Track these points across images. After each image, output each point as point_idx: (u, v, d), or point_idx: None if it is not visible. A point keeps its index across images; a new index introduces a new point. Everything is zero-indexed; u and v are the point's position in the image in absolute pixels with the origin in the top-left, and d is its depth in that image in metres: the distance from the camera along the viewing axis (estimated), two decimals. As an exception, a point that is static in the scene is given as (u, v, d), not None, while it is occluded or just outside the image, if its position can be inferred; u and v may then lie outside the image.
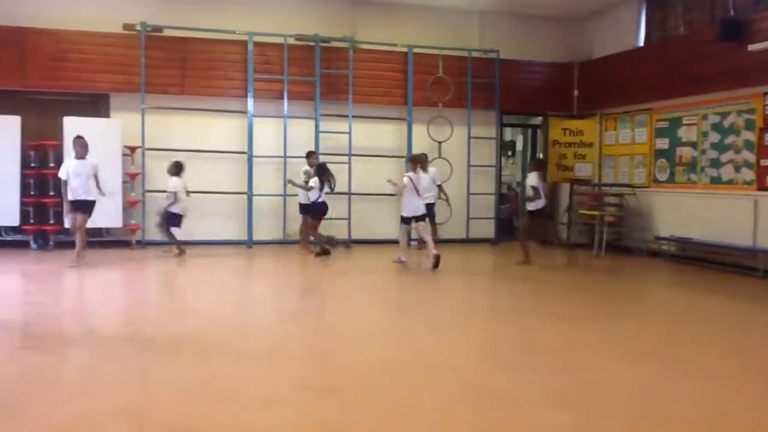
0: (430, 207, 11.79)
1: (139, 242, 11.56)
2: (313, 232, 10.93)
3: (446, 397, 4.19)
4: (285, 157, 12.13)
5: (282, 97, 12.18)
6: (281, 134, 12.17)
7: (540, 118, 14.24)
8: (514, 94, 13.27)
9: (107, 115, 11.72)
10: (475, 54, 13.11)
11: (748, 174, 10.03)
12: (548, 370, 4.82)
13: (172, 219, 10.46)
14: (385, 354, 5.26)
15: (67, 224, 9.76)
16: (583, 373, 4.75)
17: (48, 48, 11.22)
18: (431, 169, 11.90)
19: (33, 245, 11.02)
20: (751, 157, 9.98)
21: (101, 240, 11.30)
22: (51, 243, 11.00)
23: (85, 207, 9.21)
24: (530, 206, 10.42)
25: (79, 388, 4.33)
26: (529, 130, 15.34)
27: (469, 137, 13.16)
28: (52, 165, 10.99)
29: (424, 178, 10.55)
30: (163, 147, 11.62)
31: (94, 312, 6.92)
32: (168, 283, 9.09)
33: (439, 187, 11.97)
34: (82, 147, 9.22)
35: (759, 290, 8.68)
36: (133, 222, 11.60)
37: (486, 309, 7.59)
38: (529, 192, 10.31)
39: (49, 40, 11.21)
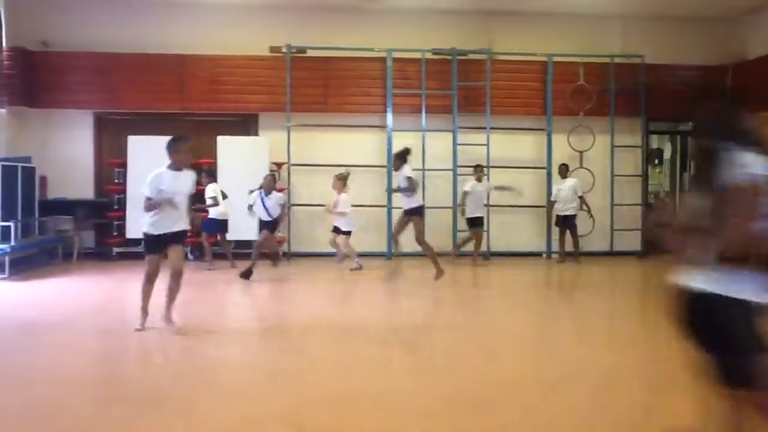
0: (570, 218, 11.53)
1: (285, 254, 12.06)
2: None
3: (600, 417, 4.03)
4: (423, 169, 12.23)
5: (420, 111, 12.32)
6: (419, 147, 12.30)
7: (689, 123, 13.46)
8: (662, 100, 12.60)
9: (256, 134, 12.39)
10: (617, 60, 12.63)
11: None
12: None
13: (213, 226, 10.81)
14: (532, 367, 5.15)
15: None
16: None
17: (203, 72, 12.05)
18: (571, 180, 11.65)
19: (190, 257, 11.76)
20: None
21: (248, 252, 11.88)
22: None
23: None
24: None
25: (238, 391, 4.56)
26: (678, 137, 14.54)
27: (612, 146, 12.69)
28: (202, 182, 11.70)
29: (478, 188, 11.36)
30: (307, 162, 12.12)
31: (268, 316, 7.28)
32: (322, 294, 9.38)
33: (581, 198, 11.65)
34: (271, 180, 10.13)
35: None
36: (280, 234, 12.11)
37: (637, 325, 7.25)
38: None
39: (204, 65, 12.05)
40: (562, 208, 11.68)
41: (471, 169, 11.79)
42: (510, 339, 6.21)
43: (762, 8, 12.16)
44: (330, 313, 7.61)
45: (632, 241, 12.70)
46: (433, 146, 12.34)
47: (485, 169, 11.86)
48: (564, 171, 11.87)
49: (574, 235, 11.67)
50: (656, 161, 15.54)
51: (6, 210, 9.98)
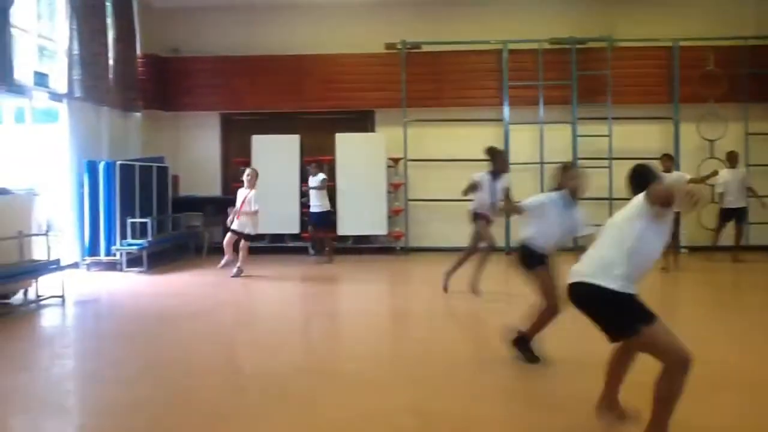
0: (741, 211, 10.75)
1: (402, 248, 12.18)
2: None
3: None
4: (542, 163, 11.98)
5: (537, 103, 12.08)
6: (537, 140, 12.06)
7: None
8: (801, 82, 11.73)
9: (372, 130, 12.56)
10: (752, 42, 11.84)
11: None
12: None
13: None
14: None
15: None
16: None
17: (321, 72, 12.36)
18: (741, 168, 10.99)
19: (311, 251, 12.10)
20: None
21: (369, 246, 12.12)
22: (327, 249, 11.99)
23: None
24: None
25: (368, 388, 4.64)
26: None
27: (747, 134, 11.92)
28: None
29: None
30: (423, 158, 12.18)
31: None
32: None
33: (749, 189, 10.88)
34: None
35: None
36: (397, 229, 12.26)
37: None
38: None
39: (321, 64, 12.36)
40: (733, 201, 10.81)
41: (592, 161, 11.41)
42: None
43: None
44: (458, 305, 7.60)
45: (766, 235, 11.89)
46: (552, 139, 12.07)
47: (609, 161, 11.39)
48: (734, 160, 10.91)
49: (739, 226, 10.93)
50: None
51: (143, 208, 10.63)
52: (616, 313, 3.29)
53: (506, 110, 12.13)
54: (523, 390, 4.52)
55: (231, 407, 4.10)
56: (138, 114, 11.84)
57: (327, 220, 11.20)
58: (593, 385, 3.76)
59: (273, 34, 12.50)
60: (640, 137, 11.92)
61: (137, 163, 10.72)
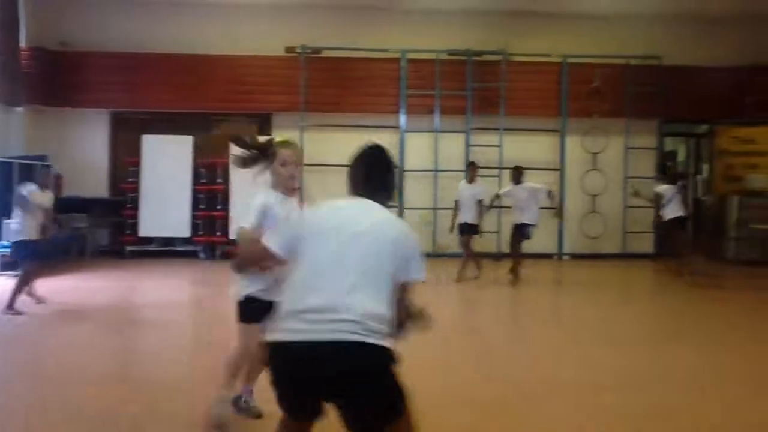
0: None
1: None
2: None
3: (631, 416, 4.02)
4: (436, 171, 12.26)
5: (433, 112, 12.34)
6: (432, 148, 12.32)
7: (705, 126, 13.36)
8: (678, 101, 12.48)
9: (269, 134, 12.44)
10: (634, 61, 12.54)
11: None
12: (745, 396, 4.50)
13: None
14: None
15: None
16: None
17: (220, 72, 12.14)
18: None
19: (201, 255, 11.84)
20: None
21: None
22: (218, 253, 11.78)
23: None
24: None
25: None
26: (693, 140, 14.43)
27: (626, 148, 12.61)
28: (219, 181, 11.81)
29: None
30: (319, 163, 12.16)
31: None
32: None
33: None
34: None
35: None
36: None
37: (659, 328, 7.20)
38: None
39: (220, 65, 12.15)
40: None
41: (483, 170, 11.73)
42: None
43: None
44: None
45: (644, 243, 12.62)
46: (446, 147, 12.36)
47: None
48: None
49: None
50: (669, 164, 15.43)
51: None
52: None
53: (403, 118, 12.32)
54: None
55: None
56: (21, 109, 11.25)
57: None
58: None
59: (170, 32, 12.19)
60: (530, 148, 12.37)
61: (16, 161, 10.18)
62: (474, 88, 12.37)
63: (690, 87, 12.56)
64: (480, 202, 9.54)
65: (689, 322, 7.37)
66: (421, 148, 12.42)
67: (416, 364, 5.23)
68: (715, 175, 12.96)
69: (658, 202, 10.23)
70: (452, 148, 12.35)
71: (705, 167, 13.80)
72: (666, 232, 10.81)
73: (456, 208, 9.67)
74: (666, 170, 11.19)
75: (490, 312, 8.18)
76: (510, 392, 4.57)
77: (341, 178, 10.63)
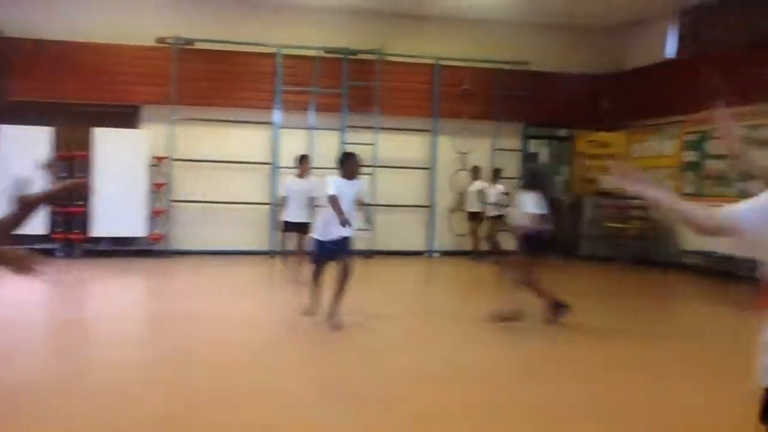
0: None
1: (164, 252, 11.71)
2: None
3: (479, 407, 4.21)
4: (310, 168, 12.24)
5: (309, 109, 12.34)
6: (307, 145, 12.31)
7: (566, 130, 14.21)
8: (542, 106, 13.19)
9: (137, 126, 11.96)
10: (503, 66, 13.11)
11: (778, 188, 9.89)
12: (578, 384, 4.82)
13: None
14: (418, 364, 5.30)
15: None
16: (616, 388, 4.74)
17: (86, 61, 11.47)
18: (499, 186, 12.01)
19: (58, 254, 11.17)
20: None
21: (126, 249, 11.50)
22: (77, 252, 11.18)
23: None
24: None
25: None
26: (555, 142, 15.29)
27: (493, 149, 13.18)
28: (80, 175, 11.18)
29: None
30: (191, 158, 11.85)
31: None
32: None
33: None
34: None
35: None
36: (156, 231, 11.78)
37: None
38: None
39: (85, 52, 11.49)
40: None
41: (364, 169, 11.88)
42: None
43: (640, 22, 12.94)
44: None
45: (510, 241, 13.21)
46: (321, 145, 12.39)
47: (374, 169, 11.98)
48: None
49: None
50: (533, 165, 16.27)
51: None
52: None
53: (277, 114, 12.23)
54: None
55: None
56: None
57: None
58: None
59: (32, 16, 11.35)
60: (403, 147, 12.68)
61: None
62: (350, 86, 12.48)
63: (553, 93, 13.30)
64: (313, 199, 8.67)
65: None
66: (296, 145, 12.35)
67: (276, 365, 5.22)
68: (573, 176, 13.81)
69: (482, 200, 11.77)
70: (327, 145, 12.38)
71: (565, 169, 14.65)
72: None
73: (282, 204, 8.92)
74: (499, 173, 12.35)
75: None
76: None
77: (214, 174, 10.50)
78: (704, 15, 11.78)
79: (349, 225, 6.16)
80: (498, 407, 4.25)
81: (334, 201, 6.16)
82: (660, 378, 5.05)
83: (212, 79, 12.05)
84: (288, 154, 12.21)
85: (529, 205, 6.70)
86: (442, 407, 4.20)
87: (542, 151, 16.16)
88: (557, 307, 6.56)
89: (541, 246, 6.81)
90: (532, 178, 7.61)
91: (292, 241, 8.95)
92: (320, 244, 6.42)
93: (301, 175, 9.08)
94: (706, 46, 11.66)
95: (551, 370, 5.22)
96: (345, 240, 6.42)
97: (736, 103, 10.33)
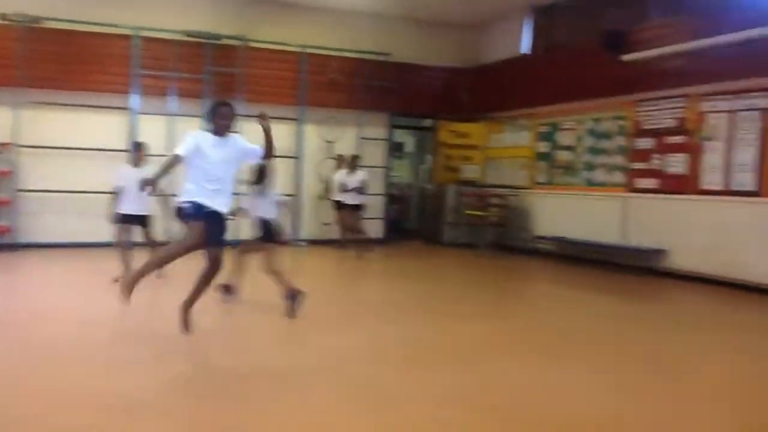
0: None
1: (10, 246, 10.89)
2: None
3: (333, 395, 4.25)
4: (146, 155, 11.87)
5: (170, 95, 11.86)
6: (168, 132, 11.85)
7: (430, 120, 14.62)
8: (406, 96, 13.50)
9: (-25, 110, 10.99)
10: (367, 56, 13.26)
11: (619, 176, 10.75)
12: (438, 366, 4.99)
13: None
14: (279, 354, 5.27)
15: None
16: (474, 369, 4.95)
17: None
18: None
19: None
20: (622, 161, 10.71)
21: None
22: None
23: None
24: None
25: None
26: (419, 132, 15.70)
27: (360, 138, 13.32)
28: None
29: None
30: (39, 144, 11.06)
31: None
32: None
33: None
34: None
35: (629, 285, 9.33)
36: (1, 223, 10.93)
37: (376, 308, 7.71)
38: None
39: None
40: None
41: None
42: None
43: (497, 18, 13.54)
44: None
45: (375, 229, 13.44)
46: (182, 132, 11.91)
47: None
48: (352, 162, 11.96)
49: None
50: (399, 154, 16.64)
51: None
52: None
53: (135, 99, 11.67)
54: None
55: None
56: None
57: None
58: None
59: None
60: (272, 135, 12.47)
61: None
62: (213, 72, 12.12)
63: (415, 84, 13.68)
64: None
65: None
66: (157, 131, 11.87)
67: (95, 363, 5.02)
68: (436, 165, 14.24)
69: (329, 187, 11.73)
70: (188, 132, 11.98)
71: (429, 158, 15.08)
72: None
73: (116, 195, 8.03)
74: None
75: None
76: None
77: (66, 161, 9.89)
78: (555, 13, 12.53)
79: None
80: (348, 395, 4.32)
81: (170, 162, 5.23)
82: (519, 358, 5.35)
83: (62, 62, 11.26)
84: (148, 141, 11.71)
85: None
86: (290, 401, 4.22)
87: (408, 140, 16.58)
88: (294, 296, 6.32)
89: (272, 233, 6.69)
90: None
91: (128, 234, 8.09)
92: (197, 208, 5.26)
93: (136, 164, 8.34)
94: (557, 43, 12.42)
95: (406, 355, 5.37)
96: (220, 219, 5.39)
97: (584, 97, 11.29)
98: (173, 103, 11.89)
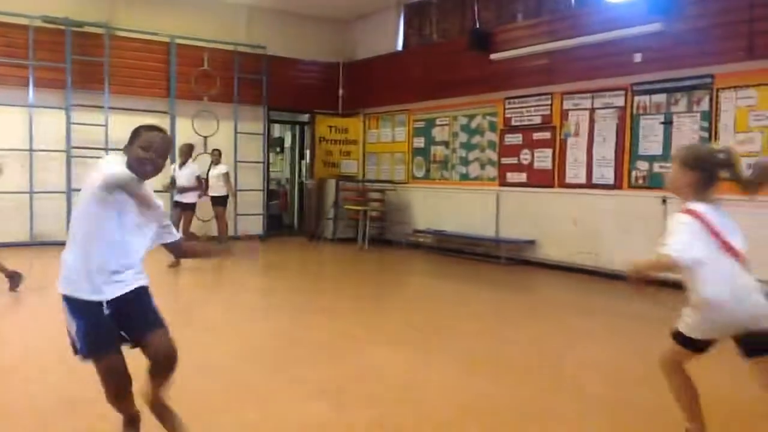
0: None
1: None
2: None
3: (208, 396, 4.12)
4: (31, 150, 11.08)
5: (27, 85, 11.07)
6: (27, 125, 11.07)
7: (308, 115, 14.50)
8: (282, 90, 13.36)
9: None
10: (241, 49, 12.97)
11: (492, 171, 11.11)
12: (310, 362, 4.95)
13: None
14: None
15: None
16: (345, 363, 4.94)
17: None
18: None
19: None
20: (494, 156, 11.08)
21: None
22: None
23: None
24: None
25: None
26: (298, 127, 15.54)
27: (236, 132, 13.00)
28: None
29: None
30: None
31: None
32: None
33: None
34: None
35: (501, 276, 9.67)
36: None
37: (250, 306, 7.57)
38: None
39: None
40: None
41: (87, 150, 11.04)
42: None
43: (371, 14, 13.64)
44: None
45: (255, 225, 13.21)
46: (44, 124, 11.23)
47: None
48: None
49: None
50: (278, 149, 16.43)
51: None
52: None
53: (-11, 89, 10.82)
54: None
55: None
56: None
57: None
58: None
59: None
60: (139, 129, 11.92)
61: None
62: (75, 61, 11.42)
63: (291, 78, 13.57)
64: None
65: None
66: (14, 124, 11.06)
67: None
68: (316, 160, 14.17)
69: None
70: (51, 125, 11.26)
71: (308, 153, 14.97)
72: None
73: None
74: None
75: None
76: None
77: None
78: (426, 10, 12.77)
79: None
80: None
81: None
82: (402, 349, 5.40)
83: None
84: (4, 135, 10.92)
85: None
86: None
87: (286, 135, 16.38)
88: (14, 277, 7.13)
89: None
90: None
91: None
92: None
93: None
94: (429, 40, 12.67)
95: (279, 351, 5.31)
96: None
97: (455, 93, 11.57)
98: (32, 94, 11.10)
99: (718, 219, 2.95)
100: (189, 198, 9.95)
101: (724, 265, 2.92)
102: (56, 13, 11.25)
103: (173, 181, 9.70)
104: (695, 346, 3.10)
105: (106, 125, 11.56)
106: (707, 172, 2.99)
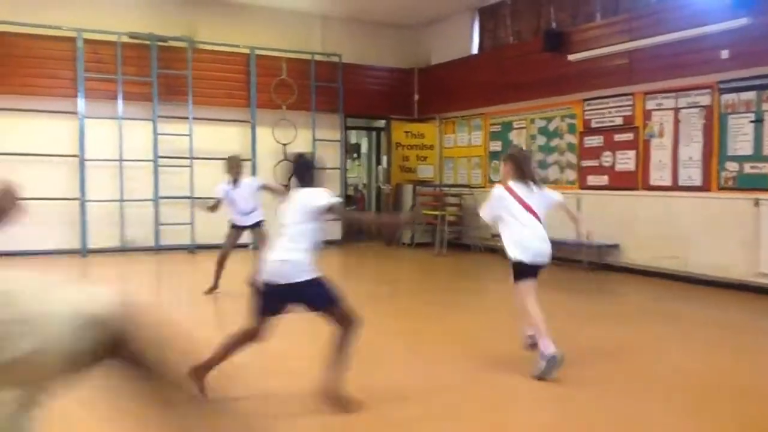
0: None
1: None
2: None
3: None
4: (121, 160, 11.58)
5: (116, 98, 11.58)
6: (116, 136, 11.58)
7: (383, 121, 14.59)
8: (357, 97, 13.49)
9: None
10: (317, 57, 13.18)
11: (571, 174, 10.87)
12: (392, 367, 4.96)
13: None
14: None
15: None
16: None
17: None
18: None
19: None
20: (573, 159, 10.83)
21: None
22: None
23: None
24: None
25: None
26: (374, 133, 15.65)
27: (314, 140, 13.21)
28: None
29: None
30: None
31: None
32: None
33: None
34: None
35: (585, 282, 9.44)
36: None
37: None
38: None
39: None
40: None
41: (173, 160, 11.46)
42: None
43: (443, 20, 13.60)
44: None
45: (333, 231, 13.33)
46: (132, 136, 11.72)
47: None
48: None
49: None
50: (355, 155, 16.59)
51: None
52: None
53: (81, 103, 11.35)
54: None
55: None
56: None
57: None
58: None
59: None
60: (221, 138, 12.27)
61: None
62: (160, 74, 11.87)
63: (366, 85, 13.71)
64: None
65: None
66: (104, 136, 11.59)
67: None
68: (392, 165, 14.23)
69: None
70: (138, 136, 11.74)
71: (384, 158, 15.06)
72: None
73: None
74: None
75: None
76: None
77: (9, 167, 9.43)
78: (500, 13, 12.63)
79: None
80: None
81: None
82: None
83: (3, 65, 10.89)
84: (96, 146, 11.46)
85: None
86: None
87: (362, 141, 16.53)
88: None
89: None
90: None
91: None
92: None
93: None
94: (504, 43, 12.52)
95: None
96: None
97: (531, 96, 11.36)
98: (121, 106, 11.61)
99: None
100: (256, 217, 8.34)
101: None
102: (142, 29, 11.74)
103: (217, 204, 8.21)
104: None
105: (190, 135, 11.96)
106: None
